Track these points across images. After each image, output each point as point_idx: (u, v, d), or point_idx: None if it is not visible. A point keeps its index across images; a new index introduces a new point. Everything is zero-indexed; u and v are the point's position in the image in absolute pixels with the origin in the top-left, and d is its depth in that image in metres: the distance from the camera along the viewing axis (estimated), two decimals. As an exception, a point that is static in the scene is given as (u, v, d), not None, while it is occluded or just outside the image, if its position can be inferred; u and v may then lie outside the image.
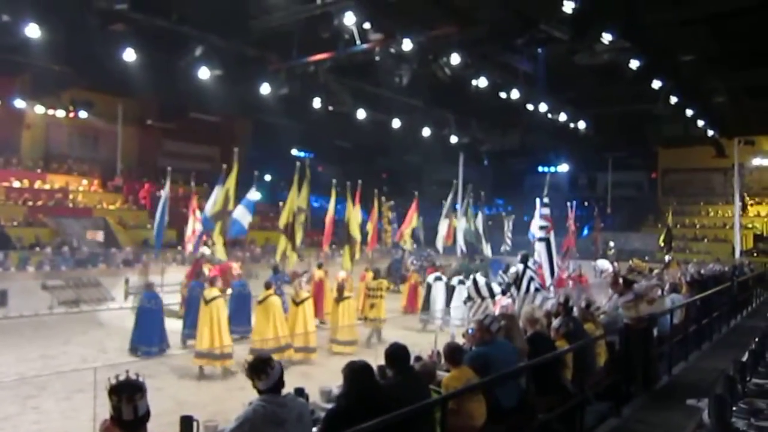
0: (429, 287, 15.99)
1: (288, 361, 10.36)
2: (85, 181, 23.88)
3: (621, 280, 9.43)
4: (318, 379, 7.33)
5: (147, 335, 11.89)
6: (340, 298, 12.85)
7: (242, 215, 14.49)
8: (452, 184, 21.36)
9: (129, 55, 15.19)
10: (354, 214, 15.77)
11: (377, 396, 4.25)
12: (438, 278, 15.92)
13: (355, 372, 4.31)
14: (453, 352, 5.47)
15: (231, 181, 14.01)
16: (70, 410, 7.99)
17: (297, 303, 11.85)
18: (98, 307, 17.06)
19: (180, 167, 28.50)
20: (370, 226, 17.96)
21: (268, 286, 11.59)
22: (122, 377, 3.12)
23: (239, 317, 12.59)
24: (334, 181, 15.22)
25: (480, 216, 20.53)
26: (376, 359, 5.42)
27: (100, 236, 20.15)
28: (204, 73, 16.50)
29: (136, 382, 3.13)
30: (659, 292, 10.80)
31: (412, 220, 19.91)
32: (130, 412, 3.04)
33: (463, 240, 19.47)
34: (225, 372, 10.15)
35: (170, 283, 18.09)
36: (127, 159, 26.08)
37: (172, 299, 17.67)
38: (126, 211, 23.49)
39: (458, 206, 20.32)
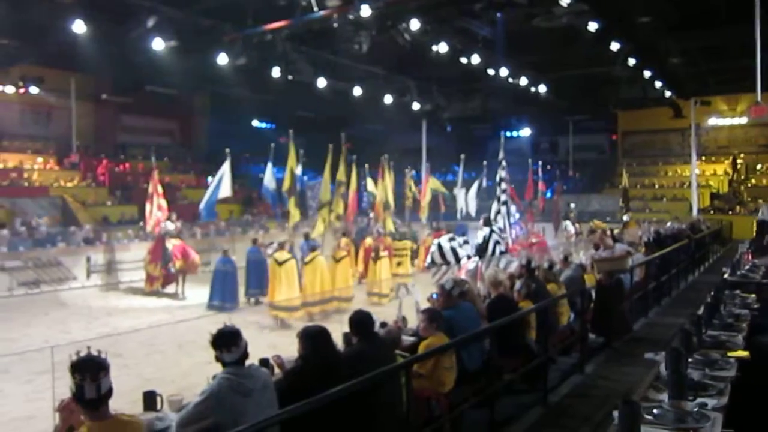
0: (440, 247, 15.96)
1: (323, 313, 12.54)
2: (40, 159, 23.28)
3: (610, 237, 9.83)
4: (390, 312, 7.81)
5: (220, 293, 13.81)
6: (376, 257, 14.87)
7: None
8: (416, 152, 21.33)
9: (79, 27, 14.72)
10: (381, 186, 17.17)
11: (333, 360, 4.32)
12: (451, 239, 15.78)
13: (312, 336, 4.37)
14: (434, 319, 5.43)
15: (292, 160, 14.53)
16: (33, 392, 7.86)
17: (336, 260, 14.03)
18: (60, 287, 16.76)
19: (139, 142, 28.06)
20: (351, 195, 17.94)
21: (313, 249, 13.32)
22: (84, 354, 3.06)
23: (255, 280, 14.42)
24: (301, 151, 15.16)
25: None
26: (400, 310, 6.90)
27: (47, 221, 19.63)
28: (158, 45, 16.10)
29: (98, 359, 3.07)
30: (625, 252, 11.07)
31: (427, 192, 19.86)
32: (93, 391, 2.98)
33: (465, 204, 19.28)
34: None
35: (133, 260, 17.92)
36: (83, 135, 25.44)
37: (134, 276, 17.52)
38: (84, 188, 22.99)
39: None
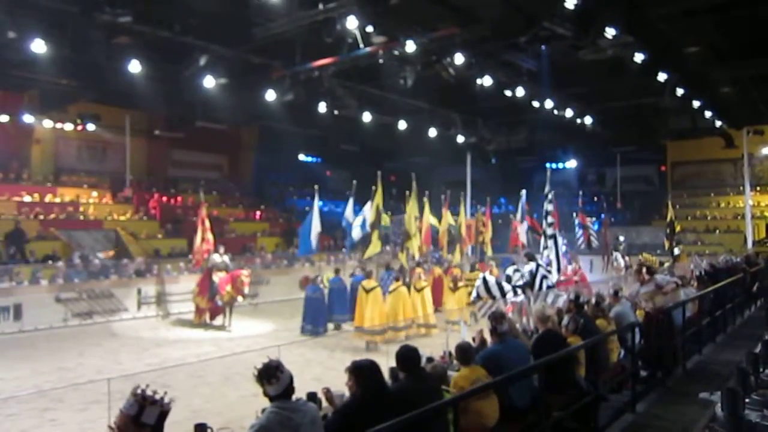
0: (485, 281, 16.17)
1: (407, 337, 13.62)
2: (95, 194, 24.01)
3: (644, 270, 9.54)
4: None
5: (311, 318, 14.98)
6: (455, 287, 16.15)
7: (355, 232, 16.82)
8: (461, 184, 21.33)
9: (134, 66, 15.32)
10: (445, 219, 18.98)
11: (384, 393, 4.31)
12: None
13: (365, 370, 4.36)
14: (463, 352, 5.50)
15: (378, 197, 16.08)
16: (87, 422, 8.05)
17: (418, 290, 14.98)
18: (111, 318, 17.17)
19: (189, 176, 28.75)
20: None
21: (397, 279, 14.75)
22: (147, 391, 3.18)
23: (339, 307, 15.79)
24: (354, 182, 16.86)
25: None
26: (447, 345, 7.42)
27: (105, 254, 20.17)
28: (209, 82, 16.62)
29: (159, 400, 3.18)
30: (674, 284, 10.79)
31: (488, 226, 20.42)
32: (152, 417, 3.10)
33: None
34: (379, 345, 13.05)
35: (182, 291, 18.26)
36: (136, 170, 26.21)
37: (183, 308, 17.83)
38: (136, 222, 23.59)
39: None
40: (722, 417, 3.54)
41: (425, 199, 18.18)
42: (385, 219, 17.28)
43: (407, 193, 17.33)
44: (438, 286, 17.20)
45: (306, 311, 15.25)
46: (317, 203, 16.30)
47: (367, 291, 14.04)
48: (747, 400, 3.93)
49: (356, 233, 16.66)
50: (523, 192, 19.33)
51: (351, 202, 17.00)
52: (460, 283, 16.23)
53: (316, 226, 15.94)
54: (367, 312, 13.85)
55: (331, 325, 15.67)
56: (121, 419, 3.13)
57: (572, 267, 15.84)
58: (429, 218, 18.55)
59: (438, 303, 16.75)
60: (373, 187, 16.09)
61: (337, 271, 16.80)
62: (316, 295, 15.37)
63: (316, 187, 16.85)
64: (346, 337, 14.45)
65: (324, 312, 15.37)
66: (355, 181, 17.23)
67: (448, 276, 17.35)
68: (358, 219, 16.50)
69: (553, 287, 10.73)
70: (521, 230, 18.95)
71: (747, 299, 15.19)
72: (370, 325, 13.60)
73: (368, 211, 16.23)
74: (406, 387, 4.67)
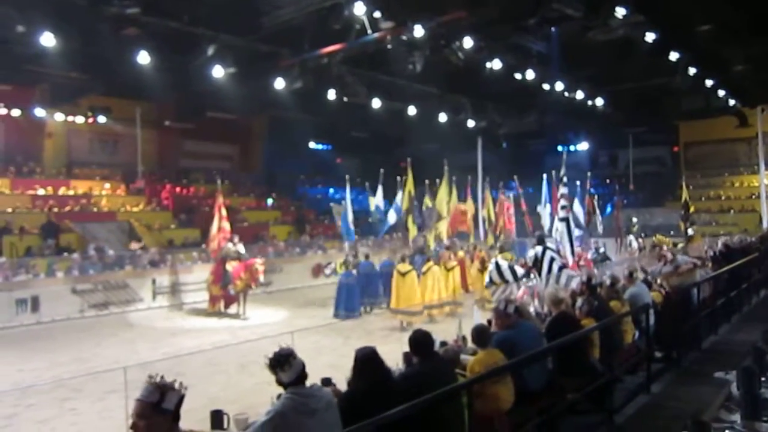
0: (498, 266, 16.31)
1: (441, 315, 14.43)
2: (107, 186, 24.16)
3: (666, 250, 9.65)
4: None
5: (344, 303, 15.47)
6: (482, 268, 16.11)
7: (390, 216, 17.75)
8: (472, 169, 21.22)
9: (143, 58, 15.34)
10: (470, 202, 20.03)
11: (381, 382, 4.35)
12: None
13: (360, 360, 4.43)
14: (480, 334, 5.47)
15: (409, 184, 16.96)
16: (105, 411, 8.14)
17: (447, 269, 15.84)
18: (127, 309, 17.32)
19: (200, 167, 28.86)
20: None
21: (429, 260, 15.33)
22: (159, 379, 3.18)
23: (370, 291, 16.47)
24: (381, 170, 17.51)
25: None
26: (460, 329, 7.32)
27: (136, 245, 20.33)
28: (218, 72, 16.61)
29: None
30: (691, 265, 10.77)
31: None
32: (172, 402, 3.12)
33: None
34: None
35: (196, 281, 18.39)
36: (148, 161, 26.31)
37: (197, 297, 17.96)
38: (149, 213, 23.72)
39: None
40: (738, 396, 3.53)
41: (453, 185, 18.56)
42: (427, 202, 17.96)
43: (436, 180, 17.99)
44: (461, 269, 17.43)
45: (339, 297, 15.73)
46: (348, 194, 17.31)
47: (403, 274, 14.60)
48: (762, 379, 3.92)
49: (392, 217, 17.47)
50: (545, 176, 19.19)
51: (380, 189, 17.76)
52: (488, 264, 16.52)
53: (350, 215, 17.17)
54: (402, 294, 14.45)
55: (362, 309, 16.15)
56: (140, 408, 3.09)
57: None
58: (456, 202, 18.84)
59: (464, 285, 17.15)
60: (404, 177, 17.05)
61: (366, 257, 17.22)
62: (349, 281, 15.82)
63: (347, 177, 17.39)
64: (361, 323, 14.59)
65: (357, 296, 15.83)
66: (382, 170, 17.89)
67: (476, 260, 17.64)
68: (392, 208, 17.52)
69: (564, 268, 10.62)
70: (544, 214, 18.83)
71: (763, 279, 15.08)
72: (406, 306, 14.21)
73: (401, 198, 17.04)
74: (420, 371, 4.69)
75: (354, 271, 16.10)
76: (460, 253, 17.89)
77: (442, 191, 17.77)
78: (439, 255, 16.60)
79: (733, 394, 3.80)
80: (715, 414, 3.66)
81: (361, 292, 16.08)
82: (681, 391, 7.35)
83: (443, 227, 17.84)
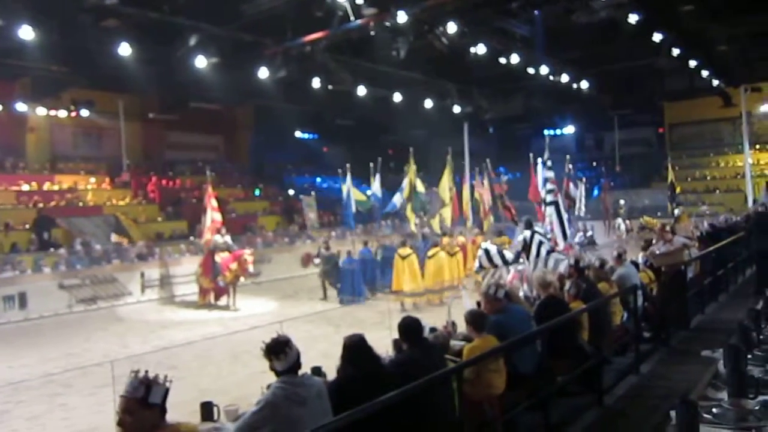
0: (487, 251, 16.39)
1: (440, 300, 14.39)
2: (93, 179, 23.93)
3: (670, 233, 9.77)
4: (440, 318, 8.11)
5: (349, 288, 15.99)
6: None
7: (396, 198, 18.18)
8: (459, 155, 21.22)
9: (124, 49, 15.18)
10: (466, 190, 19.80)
11: (370, 369, 4.33)
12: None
13: (347, 348, 4.42)
14: (477, 318, 5.41)
15: (411, 173, 17.45)
16: (96, 405, 8.12)
17: (451, 254, 15.95)
18: (116, 303, 17.23)
19: (186, 158, 28.65)
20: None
21: (435, 245, 16.01)
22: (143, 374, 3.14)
23: (370, 276, 16.92)
24: (379, 158, 17.89)
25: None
26: (450, 314, 7.39)
27: (116, 238, 20.18)
28: (201, 62, 16.48)
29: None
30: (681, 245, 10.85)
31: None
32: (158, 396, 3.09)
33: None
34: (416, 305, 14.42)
35: (185, 273, 18.31)
36: (133, 154, 26.08)
37: (187, 290, 17.89)
38: (136, 206, 23.55)
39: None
40: (725, 373, 3.55)
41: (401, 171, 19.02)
42: (421, 187, 18.21)
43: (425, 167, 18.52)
44: (464, 255, 17.55)
45: (343, 283, 16.28)
46: (349, 182, 17.92)
47: (403, 258, 15.17)
48: (749, 356, 3.95)
49: (398, 199, 17.87)
50: (539, 160, 19.17)
51: (378, 177, 18.16)
52: None
53: (353, 205, 17.99)
54: (404, 276, 15.00)
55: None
56: (125, 404, 3.05)
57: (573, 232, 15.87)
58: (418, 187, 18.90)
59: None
60: (407, 166, 17.57)
61: (365, 243, 17.71)
62: (352, 266, 16.37)
63: (347, 165, 17.87)
64: (353, 311, 14.60)
65: (360, 280, 16.33)
66: (380, 158, 18.24)
67: (474, 245, 17.56)
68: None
69: (553, 251, 10.65)
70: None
71: (748, 258, 15.21)
72: (408, 289, 14.82)
73: (405, 186, 17.57)
74: (409, 358, 4.69)
75: (354, 256, 16.70)
76: (461, 239, 18.07)
77: (445, 178, 18.23)
78: (441, 241, 16.66)
79: (720, 372, 3.83)
80: (703, 392, 3.69)
81: (363, 277, 16.57)
82: (670, 371, 7.40)
83: (447, 213, 18.28)
